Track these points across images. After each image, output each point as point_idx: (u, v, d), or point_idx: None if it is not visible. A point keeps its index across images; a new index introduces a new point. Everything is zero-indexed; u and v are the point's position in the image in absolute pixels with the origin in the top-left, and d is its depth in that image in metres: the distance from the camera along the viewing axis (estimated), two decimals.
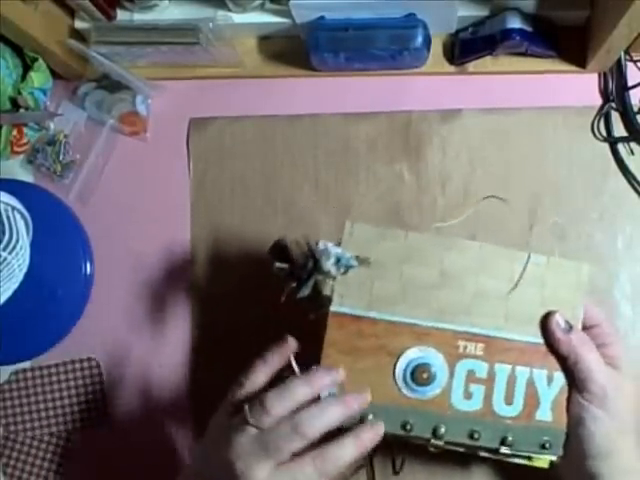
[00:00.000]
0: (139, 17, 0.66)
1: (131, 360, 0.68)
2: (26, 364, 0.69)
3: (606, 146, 0.67)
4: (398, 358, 0.49)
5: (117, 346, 0.69)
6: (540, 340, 0.50)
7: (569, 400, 0.49)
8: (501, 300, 0.50)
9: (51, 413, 0.68)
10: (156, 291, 0.69)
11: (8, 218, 0.59)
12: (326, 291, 0.50)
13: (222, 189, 0.70)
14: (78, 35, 0.68)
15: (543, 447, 0.49)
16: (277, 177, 0.70)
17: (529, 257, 0.50)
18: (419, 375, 0.49)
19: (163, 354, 0.68)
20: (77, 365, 0.69)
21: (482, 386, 0.49)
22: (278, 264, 0.49)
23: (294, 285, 0.49)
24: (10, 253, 0.58)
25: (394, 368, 0.49)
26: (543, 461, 0.51)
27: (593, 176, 0.67)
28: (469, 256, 0.50)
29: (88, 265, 0.70)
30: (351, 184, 0.69)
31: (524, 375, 0.50)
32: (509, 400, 0.49)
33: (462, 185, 0.68)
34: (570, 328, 0.49)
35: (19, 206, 0.62)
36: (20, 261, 0.60)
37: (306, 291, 0.48)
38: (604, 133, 0.67)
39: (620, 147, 0.67)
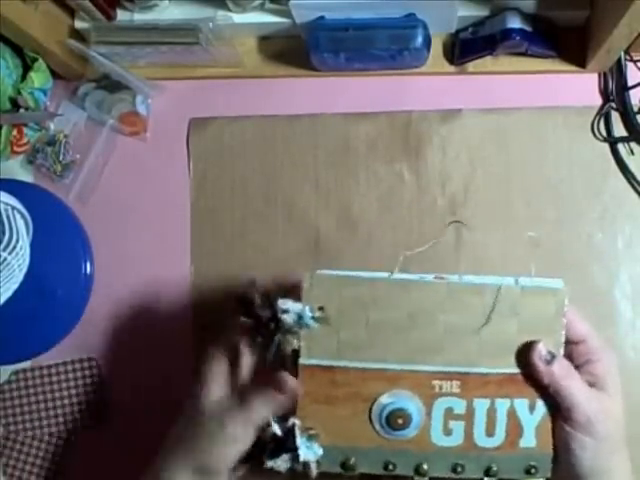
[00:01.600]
0: (139, 17, 0.66)
1: (131, 360, 0.68)
2: (26, 364, 0.69)
3: (606, 146, 0.67)
4: (372, 404, 0.48)
5: (117, 346, 0.69)
6: (518, 370, 0.48)
7: (554, 426, 0.48)
8: (474, 335, 0.48)
9: (51, 413, 0.68)
10: (156, 291, 0.69)
11: (8, 218, 0.59)
12: (292, 346, 0.49)
13: (222, 189, 0.70)
14: (78, 35, 0.68)
15: (529, 472, 0.48)
16: (277, 177, 0.70)
17: (499, 289, 0.48)
18: (394, 420, 0.48)
19: (164, 353, 0.68)
20: (77, 365, 0.69)
21: (462, 422, 0.48)
22: (243, 319, 0.49)
23: (259, 340, 0.49)
24: (10, 253, 0.58)
25: (370, 414, 0.48)
26: None
27: (593, 176, 0.67)
28: (436, 295, 0.48)
29: (88, 265, 0.70)
30: (351, 184, 0.69)
31: (504, 406, 0.48)
32: (490, 432, 0.48)
33: (462, 185, 0.68)
34: (552, 358, 0.48)
35: (19, 206, 0.62)
36: (20, 261, 0.60)
37: (271, 356, 0.48)
38: (604, 133, 0.67)
39: (620, 147, 0.67)
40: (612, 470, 0.48)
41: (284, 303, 0.47)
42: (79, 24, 0.67)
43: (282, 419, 0.48)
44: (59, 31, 0.67)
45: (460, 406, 0.48)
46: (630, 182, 0.67)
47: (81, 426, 0.68)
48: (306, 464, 0.47)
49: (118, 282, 0.70)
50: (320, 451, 0.48)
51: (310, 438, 0.48)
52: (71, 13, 0.67)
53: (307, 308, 0.47)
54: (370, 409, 0.48)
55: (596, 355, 0.50)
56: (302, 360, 0.48)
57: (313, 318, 0.47)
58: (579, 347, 0.50)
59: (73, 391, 0.68)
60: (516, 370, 0.48)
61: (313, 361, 0.48)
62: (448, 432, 0.48)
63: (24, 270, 0.61)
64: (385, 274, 0.49)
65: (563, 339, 0.48)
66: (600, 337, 0.51)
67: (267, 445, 0.48)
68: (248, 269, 0.68)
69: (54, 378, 0.69)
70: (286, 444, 0.47)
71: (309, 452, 0.47)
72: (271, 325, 0.47)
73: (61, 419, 0.68)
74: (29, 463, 0.68)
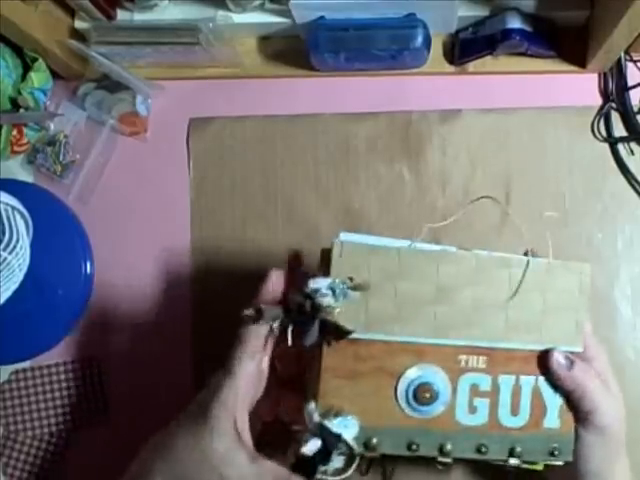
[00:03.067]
0: (139, 17, 0.66)
1: (131, 360, 0.68)
2: (26, 364, 0.69)
3: (606, 146, 0.67)
4: (399, 379, 0.47)
5: (117, 346, 0.69)
6: (542, 347, 0.48)
7: None
8: (500, 309, 0.48)
9: (51, 413, 0.68)
10: (156, 291, 0.69)
11: (8, 218, 0.59)
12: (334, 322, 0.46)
13: (222, 189, 0.70)
14: (78, 35, 0.68)
15: (552, 454, 0.48)
16: (277, 177, 0.70)
17: (528, 263, 0.48)
18: (421, 395, 0.47)
19: (163, 353, 0.68)
20: (77, 365, 0.69)
21: (486, 399, 0.48)
22: (268, 311, 0.46)
23: (295, 328, 0.46)
24: (10, 253, 0.58)
25: (395, 389, 0.47)
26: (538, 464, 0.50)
27: (593, 176, 0.67)
28: (464, 267, 0.48)
29: (88, 265, 0.70)
30: (351, 184, 0.69)
31: (529, 384, 0.48)
32: (515, 411, 0.48)
33: (462, 185, 0.68)
34: (571, 363, 0.48)
35: (19, 206, 0.62)
36: (20, 261, 0.60)
37: (313, 338, 0.45)
38: (604, 133, 0.67)
39: (620, 147, 0.67)
40: (612, 474, 0.48)
41: (314, 282, 0.45)
42: (79, 24, 0.67)
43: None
44: (59, 31, 0.67)
45: (486, 382, 0.48)
46: (630, 182, 0.67)
47: (81, 426, 0.68)
48: (349, 445, 0.45)
49: (118, 282, 0.70)
50: (356, 423, 0.46)
51: (342, 416, 0.46)
52: (71, 13, 0.67)
53: (337, 280, 0.45)
54: (396, 384, 0.47)
55: (592, 351, 0.50)
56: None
57: (348, 288, 0.45)
58: None
59: (73, 391, 0.68)
60: (540, 347, 0.48)
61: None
62: (473, 410, 0.48)
63: (24, 270, 0.61)
64: (414, 244, 0.48)
65: (586, 318, 0.48)
66: (596, 336, 0.51)
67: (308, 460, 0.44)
68: (248, 269, 0.68)
69: (54, 378, 0.69)
70: (324, 440, 0.44)
71: (348, 430, 0.45)
72: (307, 308, 0.45)
73: (61, 419, 0.68)
74: (29, 463, 0.68)
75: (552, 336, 0.49)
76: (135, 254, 0.70)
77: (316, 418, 0.45)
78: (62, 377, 0.69)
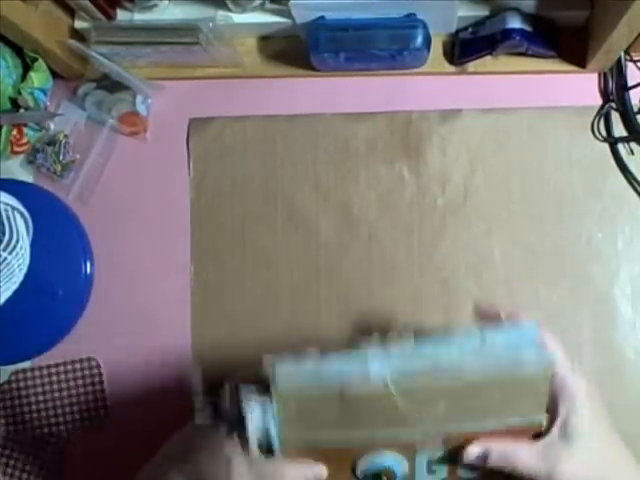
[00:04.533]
0: (139, 17, 0.66)
1: (131, 360, 0.68)
2: (26, 364, 0.69)
3: (606, 146, 0.67)
4: (355, 464, 0.48)
5: (117, 346, 0.69)
6: (504, 424, 0.46)
7: None
8: (449, 415, 0.45)
9: (51, 413, 0.68)
10: (156, 291, 0.69)
11: (8, 218, 0.59)
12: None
13: (222, 189, 0.70)
14: (78, 35, 0.68)
15: None
16: (277, 177, 0.70)
17: (468, 387, 0.44)
18: (379, 478, 0.48)
19: (163, 353, 0.68)
20: (77, 365, 0.69)
21: (445, 464, 0.48)
22: (201, 406, 0.48)
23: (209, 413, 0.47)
24: (10, 253, 0.58)
25: (354, 471, 0.48)
26: None
27: (593, 176, 0.67)
28: (405, 404, 0.45)
29: (88, 265, 0.70)
30: (351, 184, 0.69)
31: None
32: (475, 468, 0.48)
33: (462, 185, 0.68)
34: (486, 456, 0.45)
35: (19, 206, 0.62)
36: (20, 261, 0.60)
37: (205, 418, 0.47)
38: (604, 133, 0.68)
39: (620, 147, 0.67)
40: None
41: (249, 404, 0.45)
42: (79, 24, 0.67)
43: None
44: (59, 31, 0.67)
45: (443, 452, 0.48)
46: (630, 182, 0.67)
47: (81, 426, 0.68)
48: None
49: (118, 282, 0.70)
50: None
51: None
52: (71, 13, 0.67)
53: (269, 412, 0.45)
54: (354, 469, 0.48)
55: (564, 391, 0.46)
56: (276, 445, 0.46)
57: (274, 417, 0.45)
58: (556, 381, 0.46)
59: (73, 391, 0.68)
60: (502, 425, 0.46)
61: (287, 444, 0.46)
62: (432, 472, 0.49)
63: (24, 270, 0.61)
64: (351, 378, 0.45)
65: (546, 401, 0.45)
66: (569, 362, 0.47)
67: None
68: (248, 268, 0.68)
69: (54, 378, 0.69)
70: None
71: None
72: (232, 419, 0.46)
73: (61, 419, 0.68)
74: (29, 463, 0.68)
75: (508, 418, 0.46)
76: (135, 254, 0.70)
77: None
78: (62, 377, 0.69)
